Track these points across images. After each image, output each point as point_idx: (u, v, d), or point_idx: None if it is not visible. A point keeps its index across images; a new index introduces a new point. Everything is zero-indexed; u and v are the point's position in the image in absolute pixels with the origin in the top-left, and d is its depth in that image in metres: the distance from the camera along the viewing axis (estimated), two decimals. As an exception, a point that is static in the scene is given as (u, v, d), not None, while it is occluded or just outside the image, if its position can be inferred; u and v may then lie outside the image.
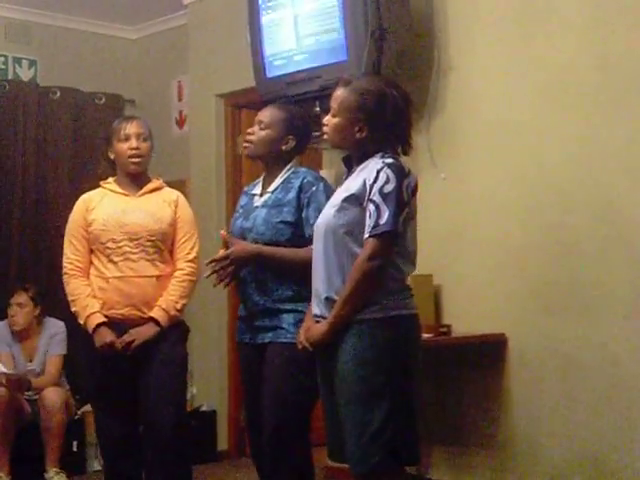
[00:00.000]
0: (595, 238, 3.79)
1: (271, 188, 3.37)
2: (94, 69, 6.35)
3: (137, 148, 3.63)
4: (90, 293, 3.59)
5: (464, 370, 4.18)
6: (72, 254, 3.68)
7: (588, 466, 3.76)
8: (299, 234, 3.25)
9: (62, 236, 5.93)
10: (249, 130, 3.41)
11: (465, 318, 4.15)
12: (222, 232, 3.34)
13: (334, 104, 2.92)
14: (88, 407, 5.39)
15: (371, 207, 2.75)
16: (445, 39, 4.30)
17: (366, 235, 2.75)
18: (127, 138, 3.62)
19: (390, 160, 2.81)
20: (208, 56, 5.66)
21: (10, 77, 6.04)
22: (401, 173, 2.78)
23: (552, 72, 3.95)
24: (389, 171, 2.77)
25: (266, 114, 3.40)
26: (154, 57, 6.44)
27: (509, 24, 4.11)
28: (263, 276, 3.28)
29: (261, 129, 3.36)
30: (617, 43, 3.75)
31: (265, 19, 4.47)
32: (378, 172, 2.77)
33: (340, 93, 2.92)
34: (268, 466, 3.26)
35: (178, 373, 3.61)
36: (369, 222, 2.74)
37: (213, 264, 3.26)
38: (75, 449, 5.21)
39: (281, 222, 3.26)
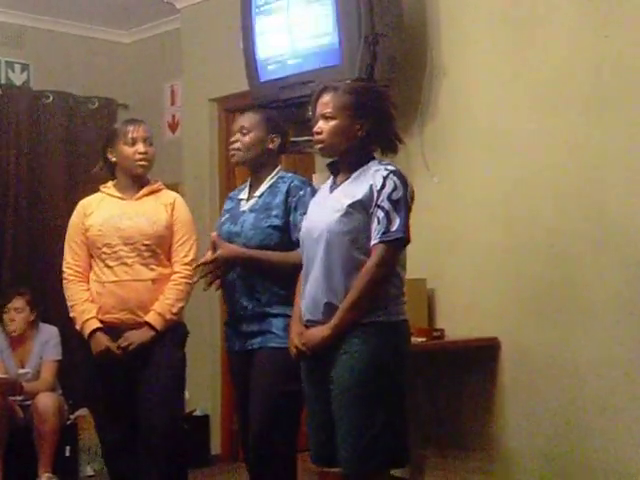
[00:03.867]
0: (588, 242, 3.79)
1: (258, 192, 3.39)
2: (87, 73, 6.35)
3: (145, 152, 3.62)
4: (88, 298, 3.58)
5: (457, 374, 4.18)
6: (71, 259, 3.66)
7: (583, 469, 3.76)
8: (288, 238, 3.26)
9: (55, 240, 6.00)
10: (232, 139, 3.44)
11: (458, 322, 4.15)
12: (213, 234, 3.34)
13: (326, 109, 2.92)
14: (81, 412, 5.41)
15: (380, 213, 2.77)
16: (438, 44, 4.31)
17: (375, 241, 2.76)
18: (134, 142, 3.61)
19: (392, 167, 2.86)
20: (201, 60, 5.66)
21: (3, 81, 6.04)
22: (404, 180, 2.84)
23: (545, 76, 3.96)
24: (395, 178, 2.81)
25: (245, 119, 3.44)
26: (147, 61, 6.43)
27: (502, 29, 4.12)
28: (251, 280, 3.29)
29: (244, 134, 3.39)
30: (610, 47, 3.75)
31: (258, 23, 4.47)
32: (385, 178, 2.80)
33: (330, 97, 2.93)
34: (254, 470, 3.28)
35: (174, 377, 3.59)
36: (378, 228, 2.76)
37: (201, 268, 3.28)
38: (68, 454, 5.20)
39: (270, 227, 3.28)
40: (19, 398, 5.02)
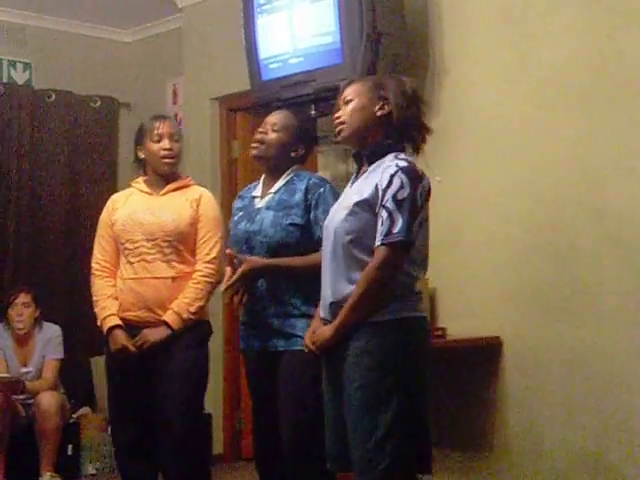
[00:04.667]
0: (590, 240, 3.79)
1: (274, 189, 3.33)
2: (89, 72, 6.35)
3: (170, 149, 3.57)
4: (112, 294, 3.54)
5: (459, 373, 4.18)
6: (99, 254, 3.63)
7: (587, 468, 3.76)
8: (308, 236, 3.21)
9: (57, 239, 6.03)
10: (260, 129, 3.35)
11: (460, 321, 4.15)
12: (228, 251, 3.25)
13: (347, 96, 2.85)
14: (83, 411, 5.42)
15: (384, 214, 2.66)
16: (440, 43, 4.31)
17: (377, 243, 2.66)
18: (160, 138, 3.57)
19: (404, 163, 2.72)
20: (203, 59, 5.66)
21: (5, 80, 6.04)
22: (415, 178, 2.71)
23: (546, 75, 3.96)
24: (403, 176, 2.68)
25: (279, 117, 3.36)
26: (149, 60, 6.43)
27: (503, 28, 4.12)
28: (275, 282, 3.22)
29: (274, 131, 3.32)
30: (611, 46, 3.75)
31: (260, 22, 4.47)
32: (392, 177, 2.68)
33: (351, 86, 2.87)
34: (290, 472, 3.20)
35: (190, 381, 3.50)
36: (381, 229, 2.66)
37: (229, 289, 3.21)
38: (70, 453, 5.20)
39: (290, 224, 3.21)
40: (21, 397, 5.02)
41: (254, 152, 3.36)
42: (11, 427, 4.86)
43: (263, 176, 3.43)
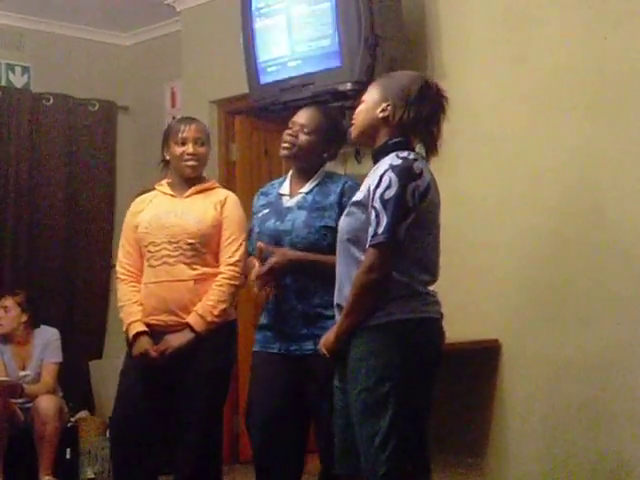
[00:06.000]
0: (588, 244, 3.79)
1: (305, 189, 3.26)
2: (87, 76, 6.35)
3: (194, 154, 3.53)
4: (137, 300, 3.50)
5: (458, 376, 4.17)
6: (124, 257, 3.59)
7: (582, 471, 3.76)
8: None
9: (55, 242, 6.02)
10: (290, 130, 3.26)
11: (459, 324, 4.12)
12: (260, 243, 3.18)
13: (364, 95, 2.82)
14: (82, 414, 5.41)
15: (373, 214, 2.62)
16: (438, 46, 4.31)
17: (367, 245, 2.63)
18: (184, 142, 3.53)
19: (397, 162, 2.64)
20: (201, 62, 5.66)
21: (3, 84, 6.04)
22: (406, 176, 2.62)
23: (545, 78, 3.96)
24: (392, 174, 2.61)
25: (309, 118, 3.26)
26: (147, 63, 6.43)
27: (502, 31, 4.12)
28: (305, 281, 3.15)
29: (305, 134, 3.23)
30: (610, 48, 3.76)
31: (258, 25, 4.48)
32: (381, 176, 2.63)
33: (371, 85, 2.84)
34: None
35: (212, 385, 3.46)
36: (370, 230, 2.62)
37: (259, 280, 3.13)
38: (68, 456, 5.18)
39: (324, 227, 3.15)
40: (20, 400, 5.01)
41: (285, 153, 3.28)
42: (10, 431, 4.86)
43: (290, 173, 3.36)
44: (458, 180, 4.22)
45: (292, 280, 3.16)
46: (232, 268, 3.48)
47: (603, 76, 3.77)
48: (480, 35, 4.20)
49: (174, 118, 6.14)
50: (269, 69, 4.45)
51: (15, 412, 4.95)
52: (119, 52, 6.55)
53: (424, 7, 4.36)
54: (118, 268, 3.60)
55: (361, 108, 2.82)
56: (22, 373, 5.14)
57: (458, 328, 4.11)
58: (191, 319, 3.42)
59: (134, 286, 3.54)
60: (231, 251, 3.49)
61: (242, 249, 3.48)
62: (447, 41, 4.29)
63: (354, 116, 2.84)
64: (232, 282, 3.47)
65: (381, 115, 2.75)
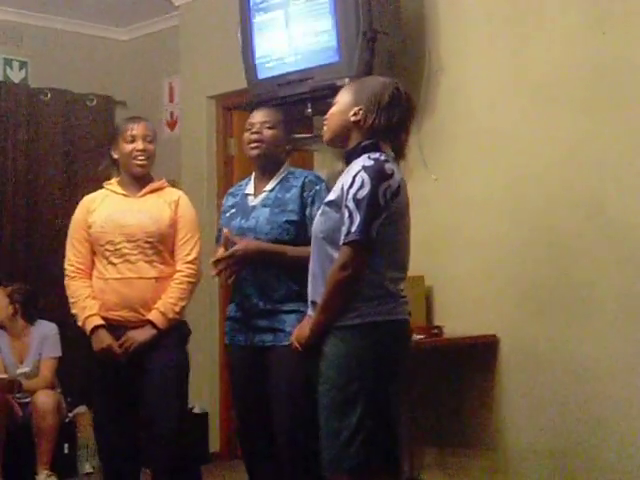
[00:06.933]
0: (584, 240, 3.80)
1: (268, 187, 3.37)
2: (85, 70, 6.35)
3: (143, 150, 3.61)
4: (90, 294, 3.57)
5: (456, 371, 4.18)
6: (73, 256, 3.64)
7: (584, 465, 3.77)
8: (303, 233, 3.24)
9: (53, 237, 6.02)
10: (253, 130, 3.38)
11: (457, 319, 4.15)
12: (225, 230, 3.31)
13: (337, 98, 2.88)
14: (80, 409, 5.41)
15: (346, 213, 2.67)
16: (436, 41, 4.31)
17: (340, 243, 2.68)
18: (133, 139, 3.61)
19: (369, 163, 2.70)
20: (199, 58, 5.66)
21: (1, 79, 6.04)
22: (378, 176, 2.68)
23: (543, 74, 3.96)
24: (365, 175, 2.67)
25: (268, 115, 3.40)
26: (145, 58, 6.43)
27: (500, 26, 4.12)
28: (265, 275, 3.26)
29: (268, 128, 3.36)
30: (609, 44, 3.76)
31: (256, 20, 4.47)
32: (354, 176, 2.69)
33: (344, 88, 2.90)
34: (286, 468, 3.22)
35: (177, 380, 3.56)
36: (343, 229, 2.67)
37: (218, 264, 3.25)
38: (66, 451, 5.20)
39: (286, 221, 3.27)
40: (18, 395, 5.02)
41: (256, 152, 3.39)
42: (8, 426, 4.86)
43: (254, 174, 3.47)
44: (455, 175, 4.23)
45: (251, 276, 3.28)
46: (190, 266, 3.59)
47: (602, 71, 3.77)
48: (478, 30, 4.19)
49: (172, 113, 6.21)
50: (267, 64, 4.44)
51: (13, 407, 4.95)
52: (117, 47, 6.55)
53: (422, 1, 4.35)
54: (67, 266, 3.65)
55: (333, 111, 2.87)
56: (20, 370, 5.13)
57: (456, 323, 4.14)
58: (153, 316, 3.51)
59: (84, 282, 3.60)
60: (188, 249, 3.60)
61: (198, 247, 3.62)
62: (445, 35, 4.29)
63: (327, 118, 2.89)
64: (190, 280, 3.59)
65: (353, 119, 2.81)
